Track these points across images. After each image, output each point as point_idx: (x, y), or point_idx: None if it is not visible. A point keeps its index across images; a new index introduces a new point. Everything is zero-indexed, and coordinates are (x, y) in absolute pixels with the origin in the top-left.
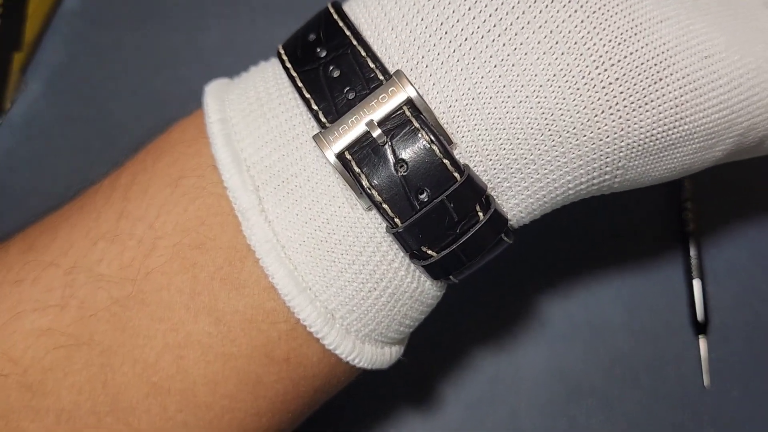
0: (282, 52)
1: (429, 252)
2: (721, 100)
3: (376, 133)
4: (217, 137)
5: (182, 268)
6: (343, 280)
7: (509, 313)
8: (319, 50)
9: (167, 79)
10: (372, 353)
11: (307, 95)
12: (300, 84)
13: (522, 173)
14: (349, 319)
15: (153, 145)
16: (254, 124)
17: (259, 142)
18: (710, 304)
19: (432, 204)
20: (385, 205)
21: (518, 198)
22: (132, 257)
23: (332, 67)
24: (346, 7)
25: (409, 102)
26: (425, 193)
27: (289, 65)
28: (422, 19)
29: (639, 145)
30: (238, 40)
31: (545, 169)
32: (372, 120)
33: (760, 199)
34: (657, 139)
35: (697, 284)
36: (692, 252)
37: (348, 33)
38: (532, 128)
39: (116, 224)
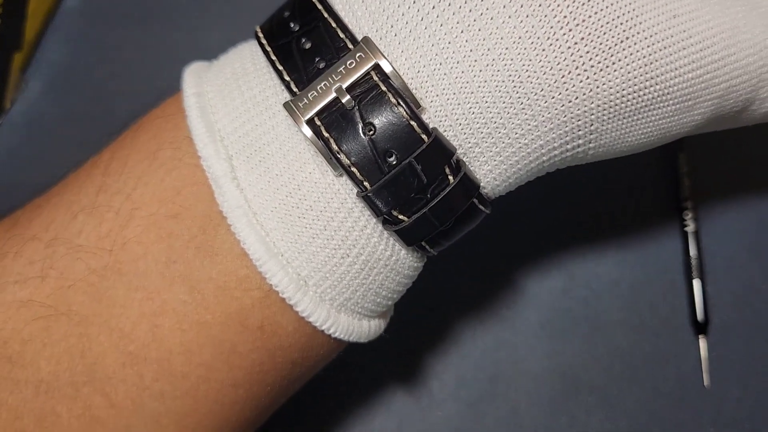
0: (258, 30)
1: (400, 217)
2: (694, 59)
3: (345, 98)
4: (192, 110)
5: (158, 237)
6: (315, 246)
7: (510, 311)
8: (292, 25)
9: (169, 78)
10: (349, 324)
11: (280, 67)
12: (273, 57)
13: (492, 138)
14: (323, 287)
15: (134, 125)
16: (229, 96)
17: (233, 114)
18: (710, 303)
19: (400, 166)
20: (353, 169)
21: (491, 164)
22: (109, 228)
23: (304, 40)
24: None
25: (377, 67)
26: (394, 156)
27: (264, 41)
28: None
29: (610, 107)
30: (241, 39)
31: (516, 133)
32: (341, 86)
33: (761, 199)
34: (628, 100)
35: (697, 284)
36: (692, 252)
37: (319, 7)
38: (499, 91)
39: (95, 197)
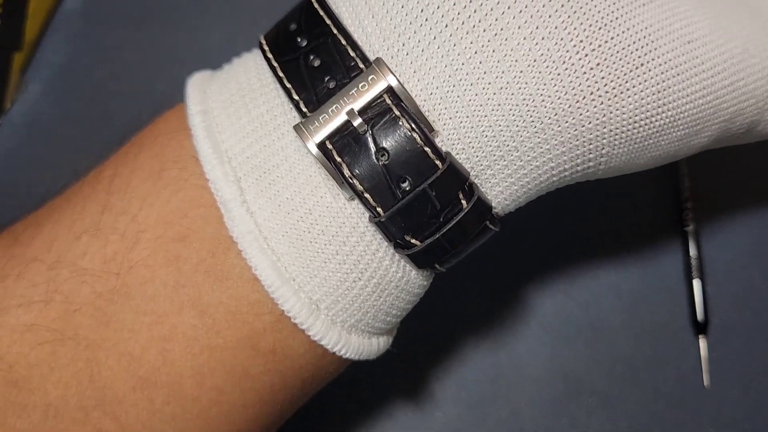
0: (263, 42)
1: (413, 241)
2: (705, 85)
3: (357, 121)
4: (198, 129)
5: (166, 260)
6: (327, 270)
7: (511, 314)
8: (299, 40)
9: (168, 79)
10: (359, 344)
11: (288, 85)
12: (281, 74)
13: (505, 160)
14: (334, 310)
15: (136, 138)
16: (235, 115)
17: (240, 133)
18: (710, 304)
19: (414, 192)
20: (366, 195)
21: (502, 185)
22: (115, 251)
23: (312, 57)
24: None
25: (390, 90)
26: (407, 182)
27: (269, 55)
28: (402, 7)
29: (622, 132)
30: (240, 40)
31: (528, 156)
32: (353, 109)
33: (760, 200)
34: (640, 126)
35: (697, 284)
36: (692, 252)
37: (328, 22)
38: (513, 115)
39: (99, 218)
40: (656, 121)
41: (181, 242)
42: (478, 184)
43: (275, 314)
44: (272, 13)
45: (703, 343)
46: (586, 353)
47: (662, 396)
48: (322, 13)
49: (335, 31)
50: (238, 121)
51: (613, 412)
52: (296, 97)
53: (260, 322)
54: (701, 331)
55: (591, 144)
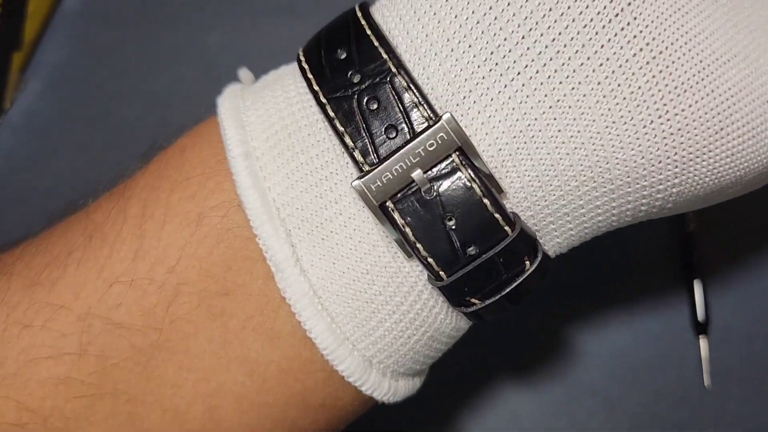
0: (306, 67)
1: (473, 300)
2: None
3: (422, 181)
4: (242, 176)
5: (210, 315)
6: (382, 329)
7: (509, 315)
8: (351, 74)
9: (168, 78)
10: (405, 387)
11: (341, 128)
12: (331, 113)
13: (569, 216)
14: (386, 363)
15: (165, 167)
16: (281, 158)
17: (288, 181)
18: (710, 304)
19: (480, 259)
20: (430, 259)
21: (562, 237)
22: (154, 304)
23: (368, 98)
24: (378, 17)
25: (459, 149)
26: (473, 247)
27: (317, 88)
28: (470, 46)
29: (689, 192)
30: (241, 40)
31: (593, 212)
32: (418, 168)
33: (761, 200)
34: (707, 185)
35: (697, 284)
36: (692, 252)
37: (385, 57)
38: (584, 176)
39: (132, 265)
40: (724, 181)
41: (226, 297)
42: (539, 237)
43: (327, 371)
44: (273, 13)
45: (703, 343)
46: (586, 353)
47: (663, 396)
48: (377, 44)
49: (395, 71)
50: (286, 166)
51: (613, 412)
52: (350, 144)
53: (312, 379)
54: (702, 331)
55: (658, 202)
